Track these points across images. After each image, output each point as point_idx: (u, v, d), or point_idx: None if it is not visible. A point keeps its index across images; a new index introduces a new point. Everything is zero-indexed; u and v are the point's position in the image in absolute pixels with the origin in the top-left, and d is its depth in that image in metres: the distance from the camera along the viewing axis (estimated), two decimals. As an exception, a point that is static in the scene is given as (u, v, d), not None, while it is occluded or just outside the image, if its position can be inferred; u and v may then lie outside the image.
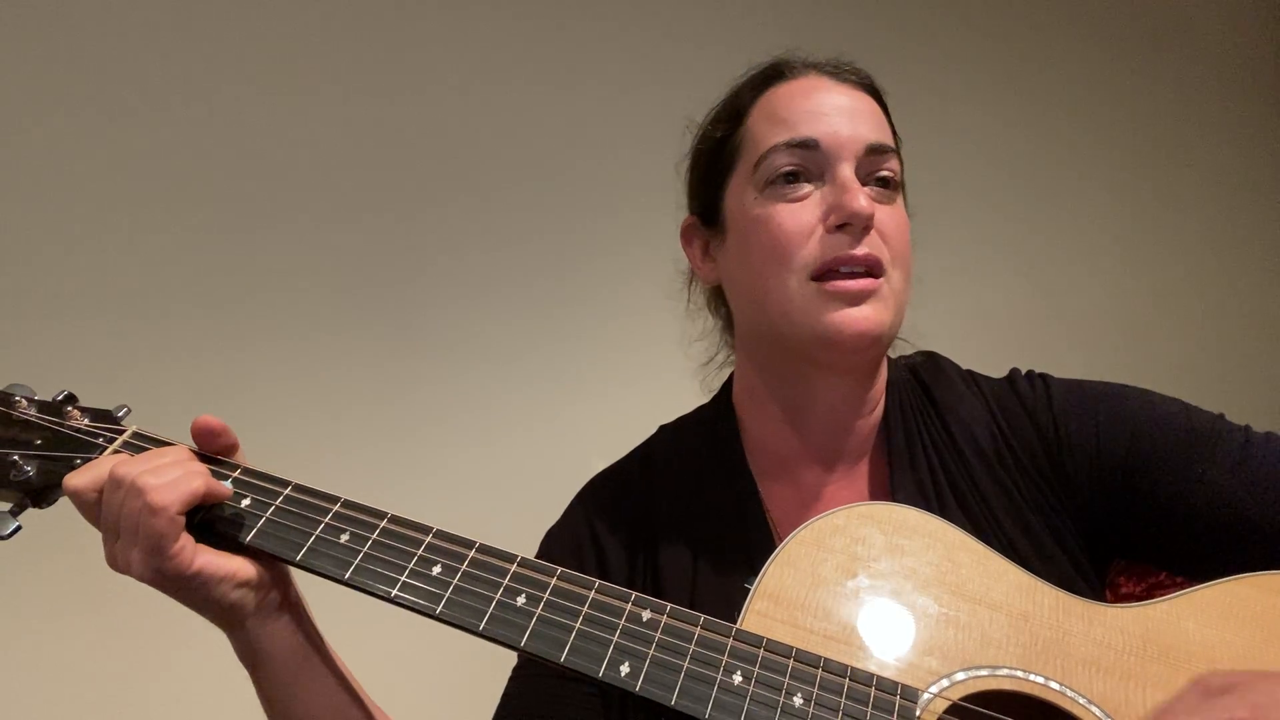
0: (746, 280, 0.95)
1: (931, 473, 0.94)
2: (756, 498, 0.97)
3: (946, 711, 0.73)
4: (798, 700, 0.71)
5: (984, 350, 1.24)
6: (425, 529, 0.80)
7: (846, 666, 0.73)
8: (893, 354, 1.03)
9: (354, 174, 2.09)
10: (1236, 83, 3.09)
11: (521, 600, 0.76)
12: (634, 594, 0.77)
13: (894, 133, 0.98)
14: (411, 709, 1.01)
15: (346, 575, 0.77)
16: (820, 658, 0.74)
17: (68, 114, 1.85)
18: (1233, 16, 3.12)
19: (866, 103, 0.95)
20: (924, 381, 1.01)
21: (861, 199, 0.87)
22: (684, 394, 1.11)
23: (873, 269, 0.89)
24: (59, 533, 1.01)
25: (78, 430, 0.85)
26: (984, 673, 0.75)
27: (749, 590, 0.79)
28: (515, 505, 1.54)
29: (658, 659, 0.73)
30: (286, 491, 0.82)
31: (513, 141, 2.24)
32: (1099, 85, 2.94)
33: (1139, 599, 0.92)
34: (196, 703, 1.73)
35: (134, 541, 0.75)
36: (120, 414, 0.88)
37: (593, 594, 0.76)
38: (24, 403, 0.85)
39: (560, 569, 0.78)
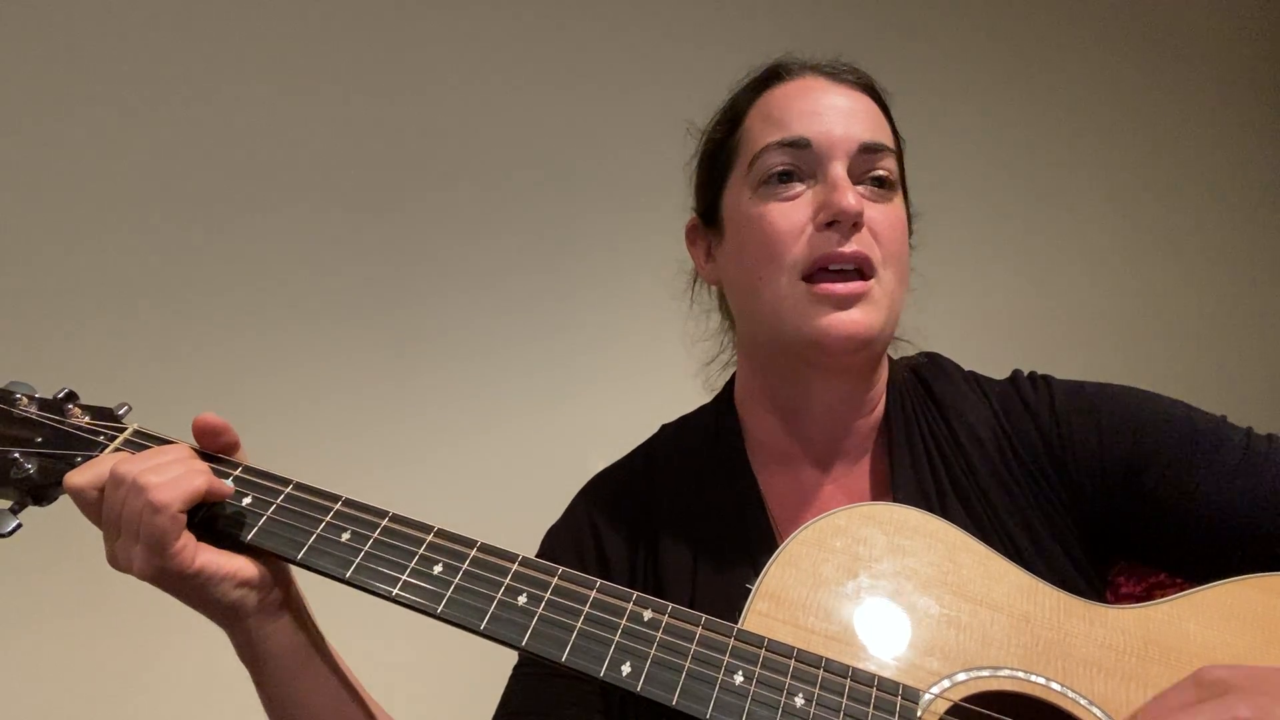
0: (741, 280, 0.95)
1: (933, 471, 0.94)
2: (758, 497, 0.97)
3: (948, 712, 0.73)
4: (799, 700, 0.71)
5: (985, 351, 1.24)
6: (427, 528, 0.80)
7: (848, 667, 0.73)
8: (894, 354, 1.03)
9: (355, 172, 2.08)
10: (1237, 82, 3.09)
11: (523, 600, 0.76)
12: (635, 594, 0.77)
13: (895, 134, 0.99)
14: (412, 708, 1.01)
15: (348, 574, 0.77)
16: (822, 658, 0.74)
17: (67, 112, 1.84)
18: (1233, 16, 3.12)
19: (863, 103, 0.95)
20: (926, 381, 1.01)
21: (850, 196, 0.87)
22: (686, 393, 1.11)
23: (862, 267, 0.89)
24: (60, 531, 1.01)
25: (78, 428, 0.85)
26: (985, 673, 0.75)
27: (750, 590, 0.79)
28: (517, 504, 1.54)
29: (659, 659, 0.73)
30: (288, 490, 0.82)
31: (514, 140, 2.23)
32: (1099, 85, 2.93)
33: (1139, 599, 0.92)
34: (197, 701, 1.72)
35: (135, 540, 0.75)
36: (121, 412, 0.88)
37: (594, 594, 0.76)
38: (25, 400, 0.85)
39: (561, 568, 0.78)
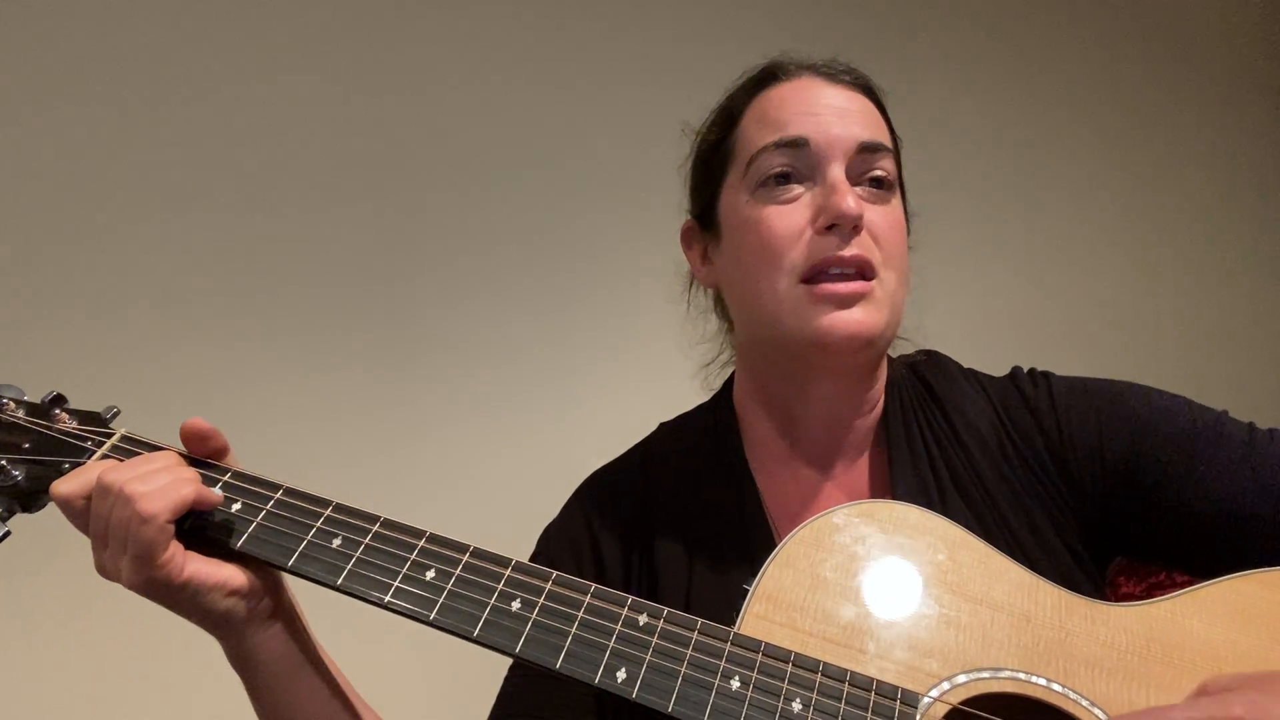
0: (740, 283, 0.95)
1: (933, 468, 0.93)
2: (756, 496, 0.96)
3: (947, 716, 0.72)
4: (796, 706, 0.70)
5: (985, 350, 1.23)
6: (419, 533, 0.79)
7: (846, 671, 0.72)
8: (893, 353, 1.03)
9: (354, 173, 2.08)
10: (1238, 82, 3.08)
11: (516, 605, 0.75)
12: (630, 598, 0.76)
13: (893, 133, 0.98)
14: (408, 713, 1.00)
15: (339, 581, 0.76)
16: (819, 662, 0.73)
17: (63, 112, 1.84)
18: (1235, 16, 3.11)
19: (860, 102, 0.95)
20: (925, 379, 1.01)
21: (850, 199, 0.87)
22: (683, 394, 1.11)
23: (863, 270, 0.88)
24: (49, 538, 1.00)
25: (66, 433, 0.84)
26: (985, 675, 0.74)
27: (748, 591, 0.78)
28: (510, 508, 1.54)
29: (654, 664, 0.72)
30: (278, 495, 0.81)
31: (513, 141, 2.23)
32: (1100, 85, 2.93)
33: (1138, 598, 0.91)
34: (190, 707, 1.72)
35: (123, 550, 0.74)
36: (109, 416, 0.87)
37: (588, 599, 0.76)
38: (12, 405, 0.85)
39: (555, 573, 0.77)
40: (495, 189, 2.21)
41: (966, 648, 0.75)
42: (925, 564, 0.80)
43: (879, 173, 0.92)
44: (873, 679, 0.72)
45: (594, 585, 0.76)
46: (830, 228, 0.87)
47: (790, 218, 0.89)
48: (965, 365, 1.03)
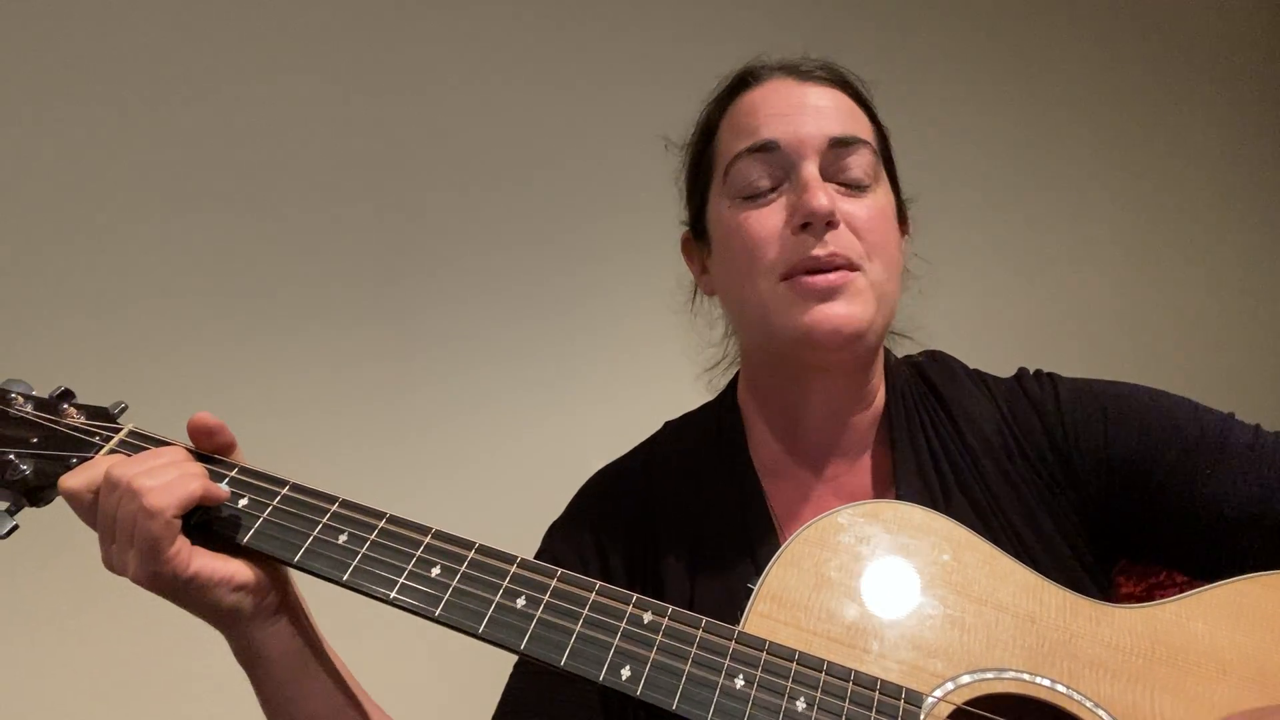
0: (731, 289, 0.96)
1: (937, 469, 0.93)
2: (760, 496, 0.96)
3: (951, 716, 0.72)
4: (800, 704, 0.70)
5: (989, 351, 1.23)
6: (424, 529, 0.79)
7: (850, 670, 0.72)
8: (898, 353, 1.03)
9: (356, 172, 2.08)
10: (1239, 82, 3.08)
11: (521, 602, 0.75)
12: (635, 596, 0.76)
13: (876, 122, 0.98)
14: (413, 708, 1.00)
15: (344, 577, 0.76)
16: (823, 661, 0.73)
17: (65, 112, 1.84)
18: (1236, 16, 3.10)
19: (833, 97, 0.94)
20: (930, 379, 1.01)
21: (821, 197, 0.87)
22: (687, 392, 1.11)
23: (840, 267, 0.87)
24: (57, 532, 1.00)
25: (74, 428, 0.84)
26: (990, 675, 0.74)
27: (752, 591, 0.78)
28: (515, 505, 1.54)
29: (659, 662, 0.72)
30: (284, 491, 0.81)
31: (513, 142, 2.23)
32: (1100, 84, 2.92)
33: (1139, 599, 0.91)
34: (196, 702, 1.72)
35: (129, 544, 0.75)
36: (117, 411, 0.88)
37: (593, 596, 0.76)
38: (20, 399, 0.85)
39: (560, 570, 0.77)
40: (497, 188, 2.21)
41: (971, 648, 0.75)
42: (930, 564, 0.80)
43: (854, 168, 0.91)
44: (877, 678, 0.72)
45: (599, 583, 0.76)
46: (804, 226, 0.87)
47: (766, 220, 0.90)
48: (968, 366, 1.03)
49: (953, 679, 0.73)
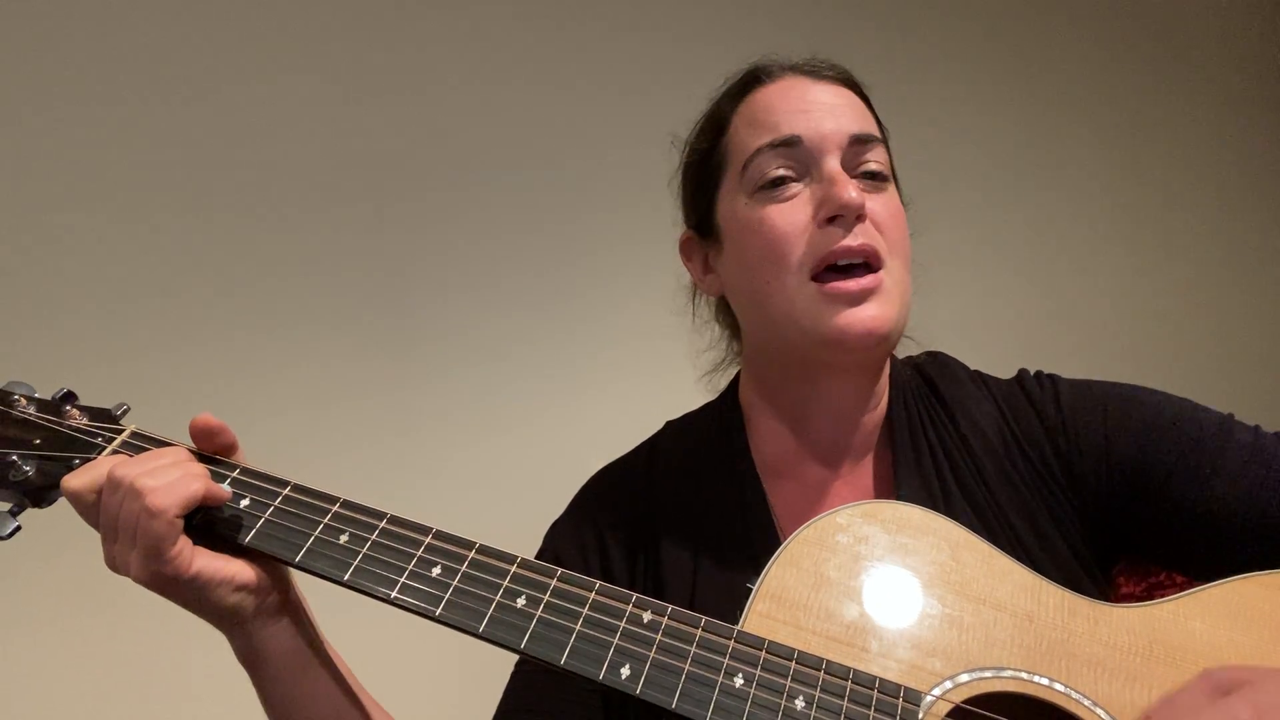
0: (748, 286, 0.94)
1: (937, 468, 0.93)
2: (761, 495, 0.97)
3: (949, 714, 0.72)
4: (799, 703, 0.70)
5: (989, 351, 1.23)
6: (425, 529, 0.79)
7: (849, 669, 0.73)
8: (898, 353, 1.03)
9: (356, 172, 2.08)
10: (1240, 82, 3.08)
11: (521, 602, 0.75)
12: (635, 595, 0.76)
13: (879, 124, 0.98)
14: (414, 708, 1.00)
15: (345, 577, 0.77)
16: (822, 660, 0.73)
17: (67, 112, 1.84)
18: (1237, 16, 3.10)
19: (846, 96, 0.95)
20: (931, 380, 1.01)
21: (851, 190, 0.87)
22: (688, 390, 1.11)
23: (870, 260, 0.88)
24: (59, 533, 1.01)
25: (76, 429, 0.84)
26: (988, 674, 0.74)
27: (751, 590, 0.78)
28: (516, 504, 1.54)
29: (658, 661, 0.72)
30: (285, 491, 0.81)
31: (514, 141, 2.23)
32: (1101, 85, 2.92)
33: (1139, 599, 0.91)
34: (199, 702, 1.73)
35: (132, 544, 0.75)
36: (119, 413, 0.88)
37: (593, 595, 0.76)
38: (23, 401, 0.85)
39: (561, 570, 0.77)
40: (500, 189, 2.21)
41: (969, 647, 0.76)
42: (928, 564, 0.80)
43: (873, 164, 0.92)
44: (876, 677, 0.73)
45: (599, 582, 0.77)
46: (833, 219, 0.88)
47: (792, 214, 0.89)
48: (969, 366, 1.04)
49: (951, 678, 0.74)
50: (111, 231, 1.86)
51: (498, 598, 0.75)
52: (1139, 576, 0.96)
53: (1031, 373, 1.00)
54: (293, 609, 0.84)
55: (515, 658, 0.96)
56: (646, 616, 0.75)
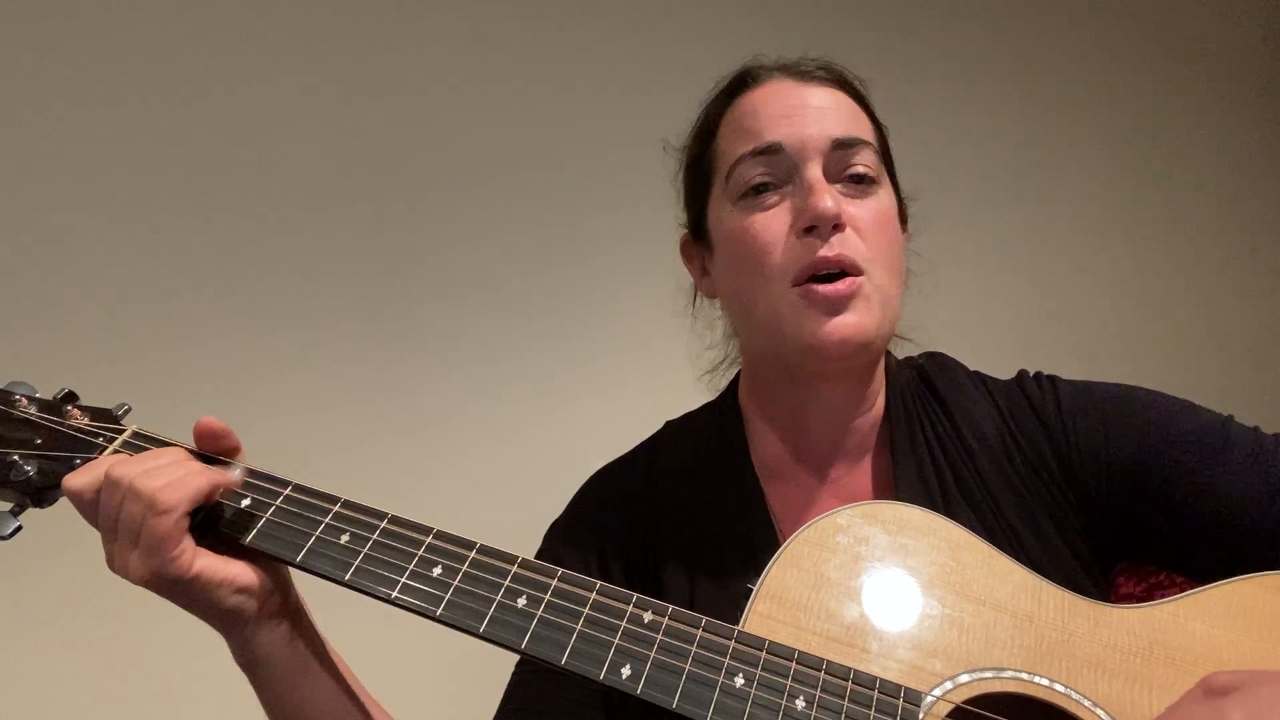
0: (736, 293, 0.95)
1: (936, 469, 0.93)
2: (760, 496, 0.97)
3: (949, 715, 0.72)
4: (800, 703, 0.70)
5: (989, 351, 1.23)
6: (426, 530, 0.79)
7: (849, 669, 0.73)
8: (897, 354, 1.03)
9: (357, 172, 2.08)
10: (1240, 83, 3.08)
11: (522, 602, 0.75)
12: (635, 595, 0.76)
13: (875, 122, 0.98)
14: (416, 708, 1.00)
15: (346, 576, 0.77)
16: (823, 660, 0.73)
17: (68, 111, 1.84)
18: (1237, 17, 3.11)
19: (834, 98, 0.94)
20: (930, 380, 1.01)
21: (826, 199, 0.86)
22: (687, 393, 1.11)
23: (847, 269, 0.87)
24: (61, 533, 1.01)
25: (78, 429, 0.84)
26: (988, 675, 0.74)
27: (752, 591, 0.78)
28: (515, 504, 1.54)
29: (659, 661, 0.72)
30: (286, 492, 0.81)
31: (514, 141, 2.23)
32: (1102, 85, 2.92)
33: (1139, 599, 0.91)
34: (198, 703, 1.72)
35: (133, 543, 0.75)
36: (120, 413, 0.88)
37: (594, 595, 0.76)
38: (24, 401, 0.85)
39: (561, 570, 0.77)
40: (500, 189, 2.21)
41: (970, 648, 0.76)
42: (929, 564, 0.80)
43: (858, 167, 0.91)
44: (876, 677, 0.73)
45: (599, 583, 0.77)
46: (810, 229, 0.87)
47: (772, 224, 0.89)
48: (968, 367, 1.03)
49: (951, 678, 0.74)
50: (112, 231, 1.86)
51: (498, 598, 0.75)
52: (1139, 577, 0.96)
53: (1031, 374, 1.00)
54: (292, 612, 0.83)
55: (515, 658, 0.96)
56: (647, 617, 0.75)
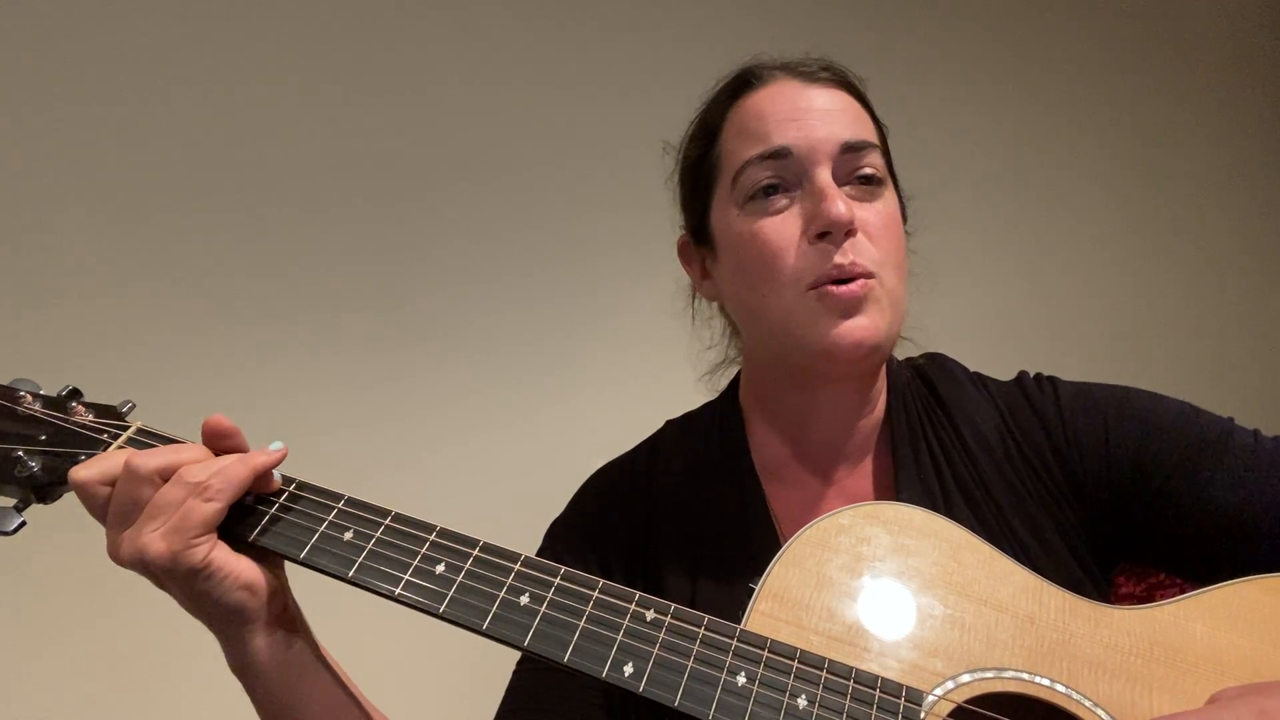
0: (744, 296, 0.94)
1: (937, 470, 0.93)
2: (761, 496, 0.97)
3: (951, 714, 0.73)
4: (802, 702, 0.71)
5: (989, 352, 1.23)
6: (429, 527, 0.80)
7: (851, 668, 0.73)
8: (898, 354, 1.03)
9: (357, 172, 2.08)
10: (1241, 83, 3.08)
11: (525, 600, 0.75)
12: (638, 594, 0.76)
13: (877, 123, 0.97)
14: (417, 706, 1.01)
15: (350, 574, 0.77)
16: (824, 659, 0.73)
17: (70, 109, 1.84)
18: (1236, 18, 3.11)
19: (840, 99, 0.93)
20: (930, 381, 1.01)
21: (839, 205, 0.86)
22: (688, 392, 1.11)
23: (860, 275, 0.87)
24: (61, 532, 1.01)
25: (82, 425, 0.84)
26: (989, 675, 0.74)
27: (753, 590, 0.78)
28: (516, 503, 1.54)
29: (661, 659, 0.72)
30: (290, 489, 0.82)
31: (514, 139, 2.23)
32: (1102, 86, 2.93)
33: (1139, 600, 0.92)
34: (201, 704, 1.72)
35: (160, 523, 0.74)
36: (125, 409, 0.88)
37: (596, 594, 0.76)
38: (28, 398, 0.85)
39: (564, 569, 0.78)
40: (499, 187, 2.21)
41: (971, 648, 0.76)
42: (930, 565, 0.80)
43: (867, 170, 0.90)
44: (878, 676, 0.73)
45: (602, 581, 0.77)
46: (823, 235, 0.87)
47: (783, 229, 0.88)
48: (969, 368, 1.04)
49: (953, 678, 0.74)
50: (113, 230, 1.86)
51: (501, 595, 0.75)
52: (1139, 577, 0.96)
53: (1031, 375, 1.00)
54: (289, 620, 0.82)
55: (515, 659, 0.96)
56: (649, 615, 0.75)
